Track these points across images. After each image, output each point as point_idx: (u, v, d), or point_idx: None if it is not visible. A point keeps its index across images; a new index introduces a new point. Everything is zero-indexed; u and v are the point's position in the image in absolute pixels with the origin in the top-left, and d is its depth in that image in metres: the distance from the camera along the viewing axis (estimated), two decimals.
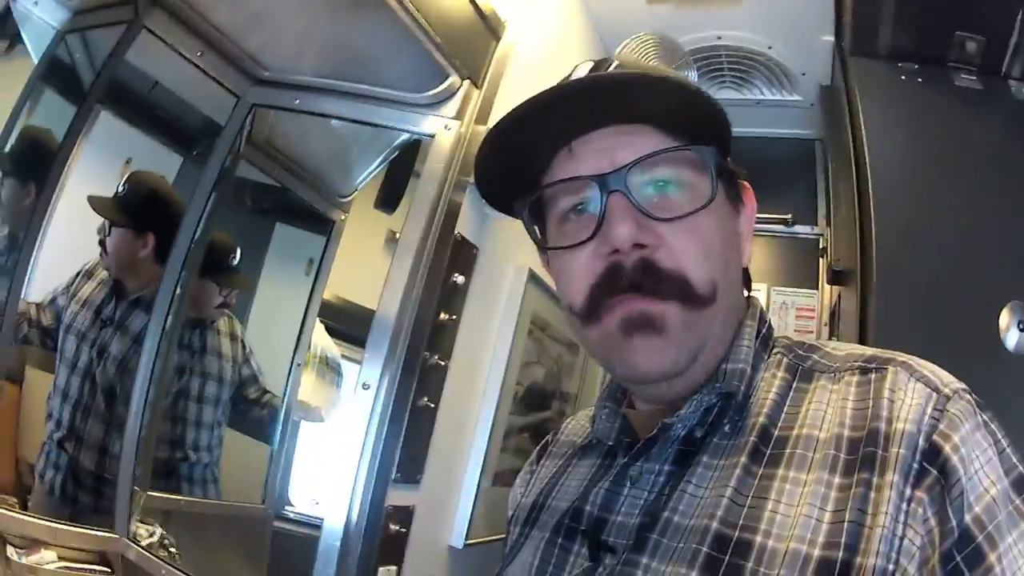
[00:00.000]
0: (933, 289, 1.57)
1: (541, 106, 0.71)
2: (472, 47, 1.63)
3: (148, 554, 1.56)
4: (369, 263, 1.97)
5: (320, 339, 1.93)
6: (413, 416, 1.42)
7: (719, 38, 2.21)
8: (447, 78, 1.58)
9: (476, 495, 1.66)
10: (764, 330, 0.78)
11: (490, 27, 1.67)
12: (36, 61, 1.58)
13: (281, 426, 1.90)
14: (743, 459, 0.67)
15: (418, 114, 1.61)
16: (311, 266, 1.96)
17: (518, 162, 0.76)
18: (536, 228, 0.80)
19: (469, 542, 1.65)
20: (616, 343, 0.70)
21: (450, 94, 1.59)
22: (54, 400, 1.65)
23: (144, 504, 1.63)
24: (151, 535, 1.60)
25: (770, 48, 2.21)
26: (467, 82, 1.60)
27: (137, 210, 1.73)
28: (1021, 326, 1.48)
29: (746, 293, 0.81)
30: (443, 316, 1.51)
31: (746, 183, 0.81)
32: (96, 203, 1.68)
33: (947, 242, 1.59)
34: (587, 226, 0.71)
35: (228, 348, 1.90)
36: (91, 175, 1.63)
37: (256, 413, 1.93)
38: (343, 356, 1.95)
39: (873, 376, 0.67)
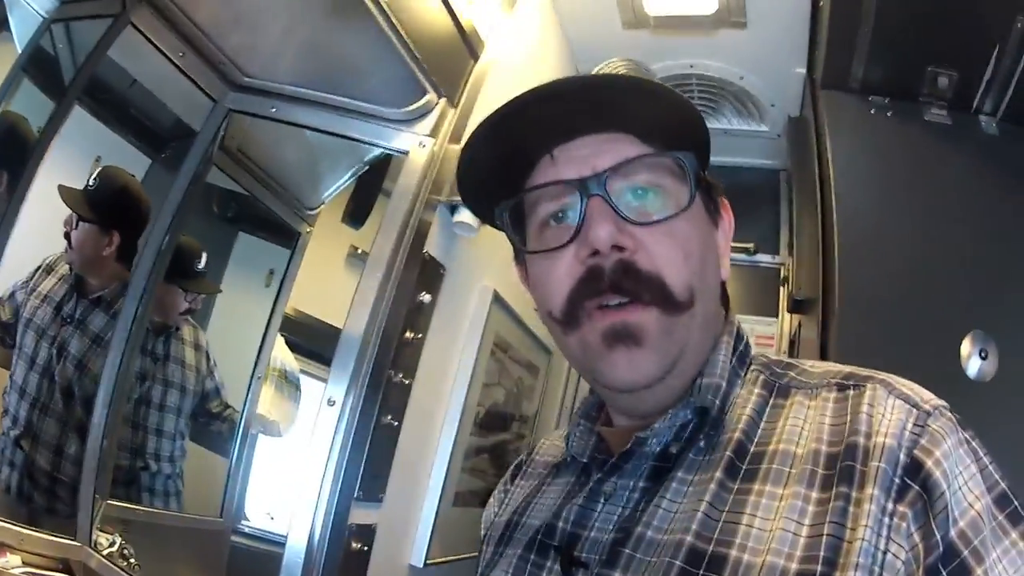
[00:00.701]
0: (895, 318, 1.56)
1: (524, 106, 0.70)
2: (450, 64, 1.59)
3: (110, 564, 1.50)
4: (332, 278, 1.92)
5: (280, 353, 1.87)
6: (377, 434, 1.37)
7: (691, 66, 2.19)
8: (424, 95, 1.54)
9: (436, 515, 1.61)
10: (741, 347, 0.76)
11: (469, 45, 1.64)
12: (20, 48, 1.52)
13: (239, 440, 1.84)
14: (718, 474, 0.65)
15: (393, 130, 1.56)
16: (272, 277, 1.90)
17: (501, 168, 0.74)
18: (516, 236, 0.78)
19: (429, 562, 1.60)
20: (598, 354, 0.69)
21: (426, 111, 1.54)
22: (11, 396, 1.57)
23: (104, 512, 1.57)
24: (111, 544, 1.54)
25: (741, 78, 2.20)
26: (443, 100, 1.56)
27: (106, 207, 1.64)
28: (983, 354, 1.48)
29: (725, 310, 0.79)
30: (409, 334, 1.46)
31: (724, 199, 0.79)
32: (67, 195, 1.60)
33: (910, 272, 1.59)
34: (567, 232, 0.70)
35: (192, 358, 1.84)
36: (59, 169, 1.55)
37: (216, 427, 1.86)
38: (302, 371, 1.90)
39: (851, 393, 0.65)
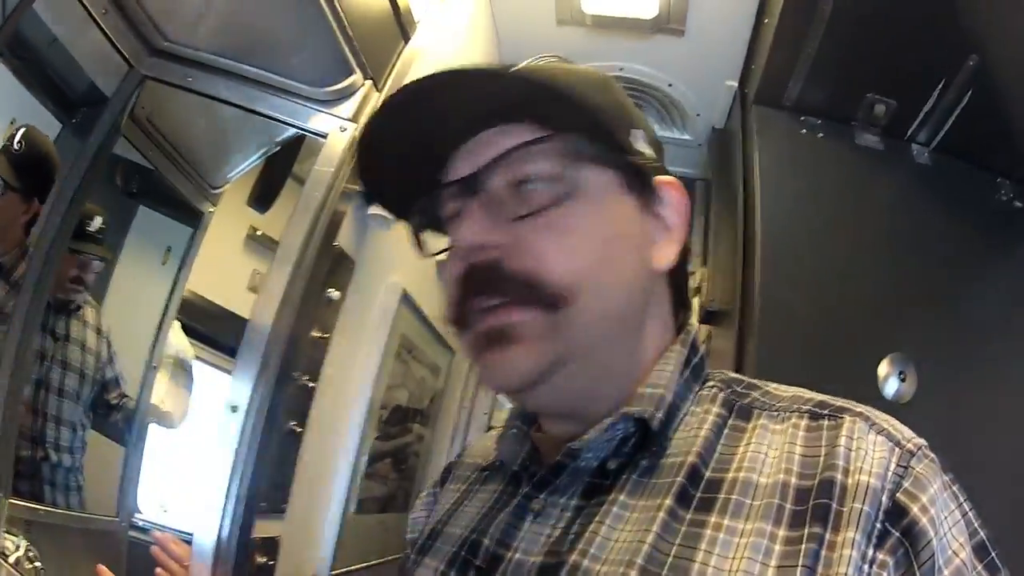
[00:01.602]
0: (814, 333, 1.53)
1: (427, 95, 0.62)
2: (380, 44, 1.45)
3: (16, 573, 1.30)
4: (230, 261, 1.75)
5: (175, 339, 1.68)
6: (280, 440, 1.24)
7: (621, 69, 2.10)
8: (349, 75, 1.40)
9: (341, 524, 1.49)
10: (696, 359, 0.67)
11: (401, 26, 1.50)
12: None
13: (135, 432, 1.65)
14: (668, 501, 0.56)
15: (312, 110, 1.41)
16: (169, 255, 1.71)
17: (408, 161, 0.67)
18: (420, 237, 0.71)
19: (334, 572, 1.49)
20: (477, 356, 0.63)
21: (349, 93, 1.40)
22: None
23: (7, 512, 1.37)
24: (17, 548, 1.34)
25: (670, 85, 2.12)
26: (369, 82, 1.42)
27: (32, 173, 1.44)
28: (902, 376, 1.47)
29: (677, 314, 0.70)
30: (315, 333, 1.32)
31: (669, 177, 0.68)
32: None
33: (832, 290, 1.56)
34: None
35: (93, 342, 1.63)
36: None
37: (113, 417, 1.67)
38: (197, 357, 1.72)
39: (826, 423, 0.57)
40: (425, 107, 0.62)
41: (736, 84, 1.94)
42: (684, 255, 0.68)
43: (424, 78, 0.61)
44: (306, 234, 1.28)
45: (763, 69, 1.71)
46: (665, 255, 0.66)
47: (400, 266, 1.62)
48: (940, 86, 1.54)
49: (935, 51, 1.51)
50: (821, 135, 1.70)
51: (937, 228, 1.60)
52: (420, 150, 0.65)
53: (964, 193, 1.67)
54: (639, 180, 0.65)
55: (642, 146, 0.67)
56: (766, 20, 1.72)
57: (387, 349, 1.59)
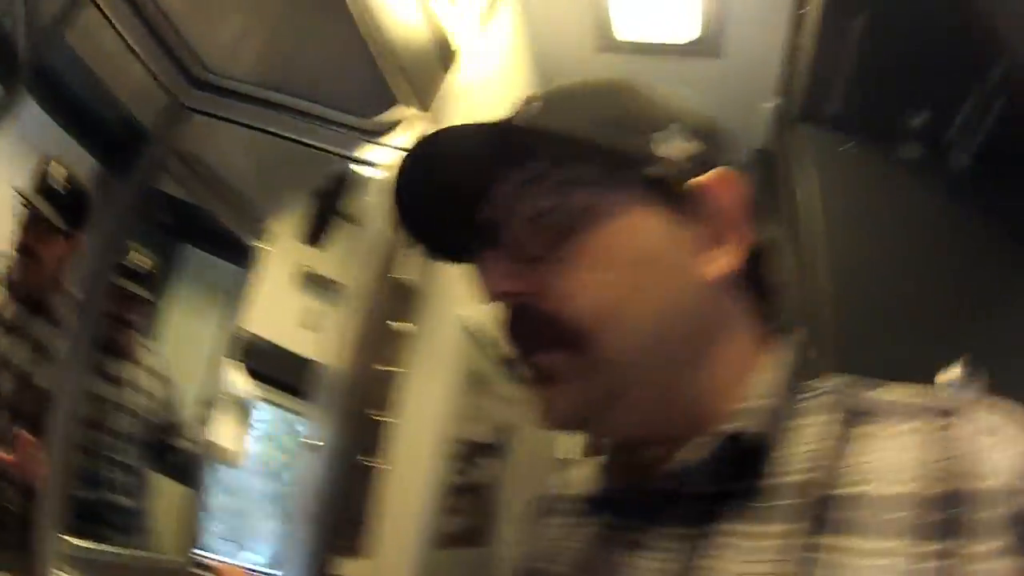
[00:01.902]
0: (879, 348, 1.49)
1: (442, 154, 0.61)
2: (423, 73, 1.43)
3: None
4: (281, 297, 1.71)
5: (232, 377, 1.64)
6: (357, 478, 1.19)
7: None
8: (397, 105, 1.38)
9: (421, 560, 1.44)
10: (798, 364, 0.61)
11: (444, 55, 1.48)
12: None
13: (196, 471, 1.61)
14: (786, 526, 0.51)
15: (365, 141, 1.39)
16: (222, 297, 1.67)
17: (439, 209, 0.64)
18: None
19: None
20: (530, 393, 0.60)
21: (400, 122, 1.38)
22: None
23: (62, 551, 1.31)
24: None
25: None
26: (417, 111, 1.40)
27: (73, 211, 1.40)
28: (964, 384, 1.42)
29: (763, 318, 0.63)
30: (386, 368, 1.28)
31: (711, 174, 0.59)
32: (42, 204, 1.35)
33: (891, 303, 1.54)
34: None
35: (149, 383, 1.58)
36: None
37: (173, 458, 1.62)
38: (259, 398, 1.68)
39: (951, 421, 0.51)
40: (438, 164, 0.61)
41: (774, 105, 1.92)
42: (758, 253, 0.60)
43: (423, 140, 0.60)
44: (368, 268, 1.26)
45: (801, 88, 1.71)
46: (716, 264, 0.58)
47: (468, 297, 1.59)
48: (973, 93, 1.53)
49: (964, 58, 1.49)
50: (862, 149, 1.69)
51: (982, 235, 1.59)
52: (442, 201, 0.63)
53: (1008, 198, 1.64)
54: (664, 190, 0.58)
55: (671, 147, 0.59)
56: (801, 40, 1.71)
57: (459, 381, 1.54)
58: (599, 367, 0.55)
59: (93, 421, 1.49)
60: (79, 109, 1.45)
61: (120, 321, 1.57)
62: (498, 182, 0.60)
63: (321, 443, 1.17)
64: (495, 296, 0.59)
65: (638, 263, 0.57)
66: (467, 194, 0.61)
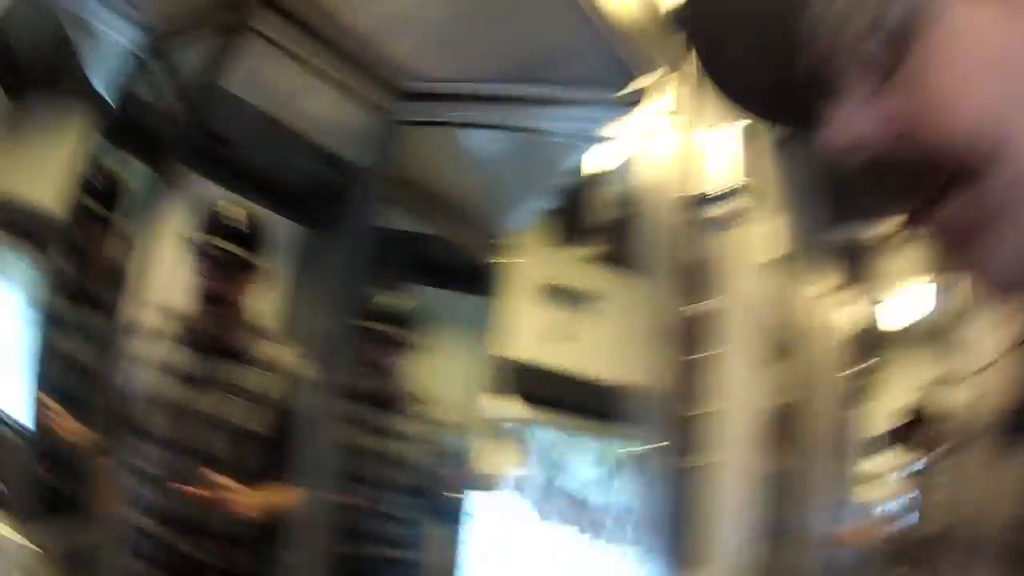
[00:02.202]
0: None
1: None
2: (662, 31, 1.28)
3: None
4: (530, 313, 1.59)
5: (495, 405, 1.57)
6: (683, 484, 1.09)
7: None
8: (647, 70, 1.23)
9: (751, 558, 1.30)
10: None
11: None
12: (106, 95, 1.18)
13: (470, 512, 1.57)
14: None
15: (615, 114, 1.25)
16: (475, 328, 1.58)
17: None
18: None
19: None
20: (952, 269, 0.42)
21: (658, 87, 1.23)
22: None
23: None
24: None
25: None
26: (668, 72, 1.25)
27: (261, 251, 1.33)
28: None
29: None
30: (691, 356, 1.17)
31: None
32: (234, 249, 1.29)
33: None
34: None
35: (421, 431, 1.54)
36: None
37: (446, 504, 1.58)
38: (537, 423, 1.61)
39: None
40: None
41: None
42: None
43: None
44: (655, 260, 1.13)
45: None
46: None
47: (751, 269, 1.42)
48: None
49: None
50: None
51: None
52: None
53: None
54: None
55: None
56: None
57: (761, 356, 1.39)
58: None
59: (364, 476, 1.46)
60: (258, 165, 1.37)
61: (378, 368, 1.51)
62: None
63: (641, 450, 1.07)
64: (852, 149, 0.41)
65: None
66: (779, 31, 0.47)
